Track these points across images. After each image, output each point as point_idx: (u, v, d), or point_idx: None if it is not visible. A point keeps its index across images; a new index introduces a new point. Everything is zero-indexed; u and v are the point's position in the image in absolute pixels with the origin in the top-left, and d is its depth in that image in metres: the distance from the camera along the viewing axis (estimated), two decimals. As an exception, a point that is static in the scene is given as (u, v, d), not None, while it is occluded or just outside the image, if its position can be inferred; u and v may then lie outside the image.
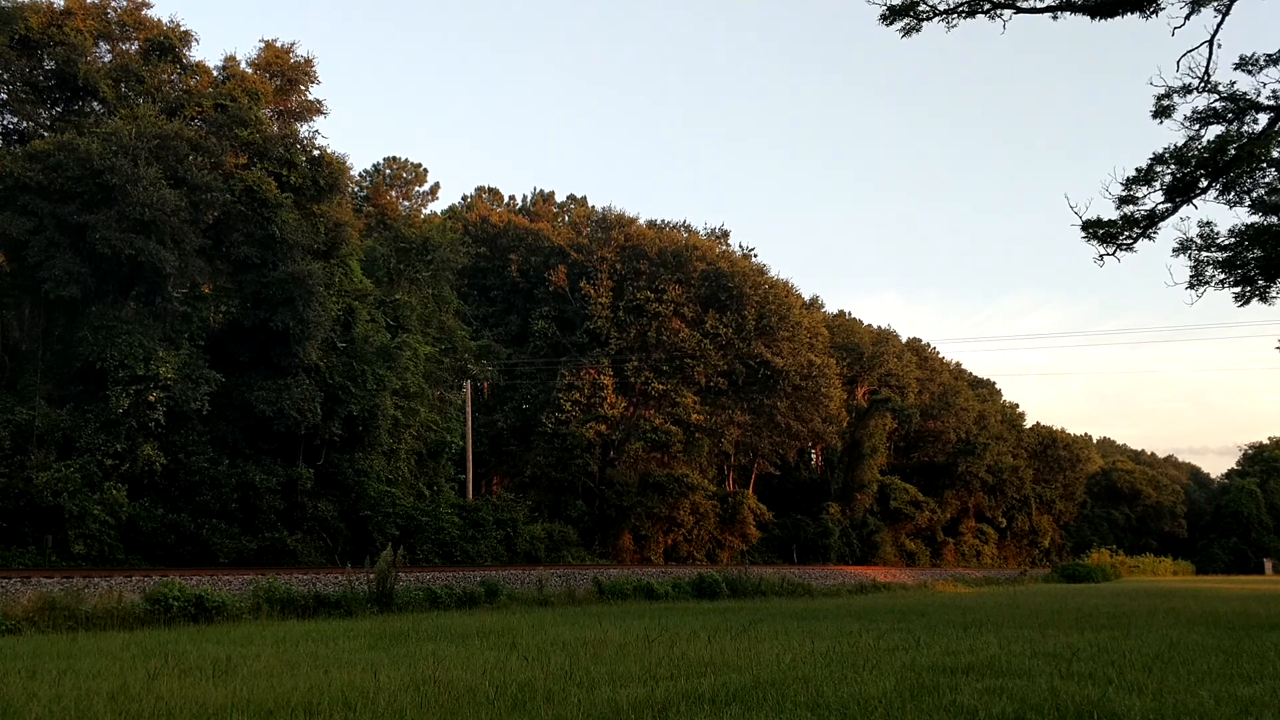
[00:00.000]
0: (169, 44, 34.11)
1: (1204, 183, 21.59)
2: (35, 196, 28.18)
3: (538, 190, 69.08)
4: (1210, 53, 20.13)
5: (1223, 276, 23.04)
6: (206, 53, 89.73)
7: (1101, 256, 22.37)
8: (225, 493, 30.69)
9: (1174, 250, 23.24)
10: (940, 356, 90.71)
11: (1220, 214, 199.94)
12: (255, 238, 32.36)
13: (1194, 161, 21.28)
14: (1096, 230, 22.01)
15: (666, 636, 13.67)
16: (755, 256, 62.84)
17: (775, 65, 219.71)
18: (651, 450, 55.82)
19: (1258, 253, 22.57)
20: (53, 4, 32.21)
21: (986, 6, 20.05)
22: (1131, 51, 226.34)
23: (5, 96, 31.92)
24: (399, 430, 38.70)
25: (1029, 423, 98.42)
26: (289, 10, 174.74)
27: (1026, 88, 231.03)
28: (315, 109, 36.98)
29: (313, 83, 36.92)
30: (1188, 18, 19.58)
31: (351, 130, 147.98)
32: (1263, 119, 20.95)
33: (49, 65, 32.09)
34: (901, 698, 7.81)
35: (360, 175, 55.56)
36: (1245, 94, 20.81)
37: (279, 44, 36.35)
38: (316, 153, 36.10)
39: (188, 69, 35.25)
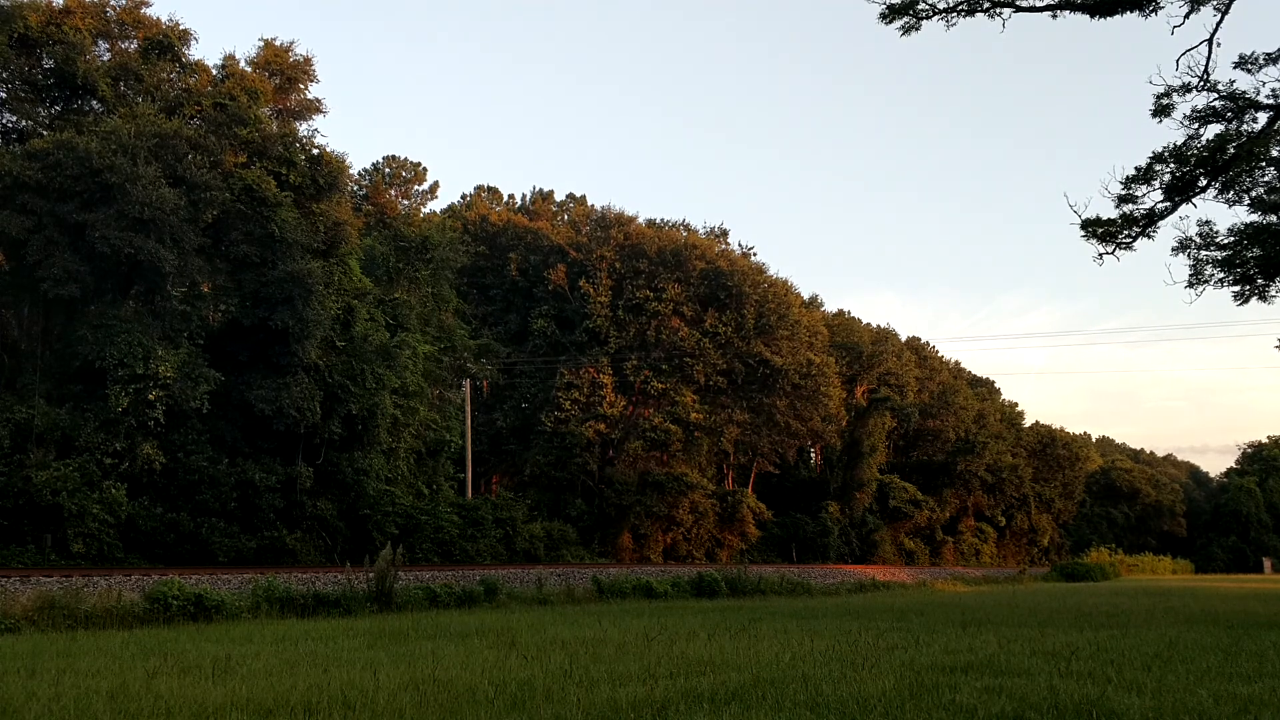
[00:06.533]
0: (168, 43, 34.08)
1: (1203, 181, 21.59)
2: (34, 195, 28.15)
3: (537, 189, 69.16)
4: (1210, 51, 20.14)
5: (1222, 275, 23.04)
6: (205, 51, 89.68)
7: (1101, 255, 22.39)
8: (224, 491, 30.68)
9: (1173, 249, 23.27)
10: (939, 355, 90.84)
11: (1219, 213, 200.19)
12: (254, 236, 32.34)
13: (1193, 160, 21.28)
14: (1096, 229, 22.01)
15: (666, 635, 13.68)
16: (754, 255, 62.98)
17: (775, 64, 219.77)
18: (651, 449, 55.81)
19: (1257, 251, 22.57)
20: (52, 3, 32.18)
21: (986, 5, 20.03)
22: (1131, 50, 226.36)
23: (4, 95, 31.90)
24: (398, 429, 38.70)
25: (1028, 421, 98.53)
26: (288, 9, 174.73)
27: (1026, 86, 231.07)
28: (314, 108, 36.98)
29: (312, 81, 36.92)
30: (1187, 16, 19.58)
31: (351, 129, 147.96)
32: (1262, 118, 20.96)
33: (48, 64, 32.07)
34: (901, 696, 7.81)
35: (359, 174, 55.55)
36: (1244, 93, 20.82)
37: (278, 43, 36.37)
38: (316, 151, 36.07)
39: (187, 68, 35.23)
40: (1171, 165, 21.40)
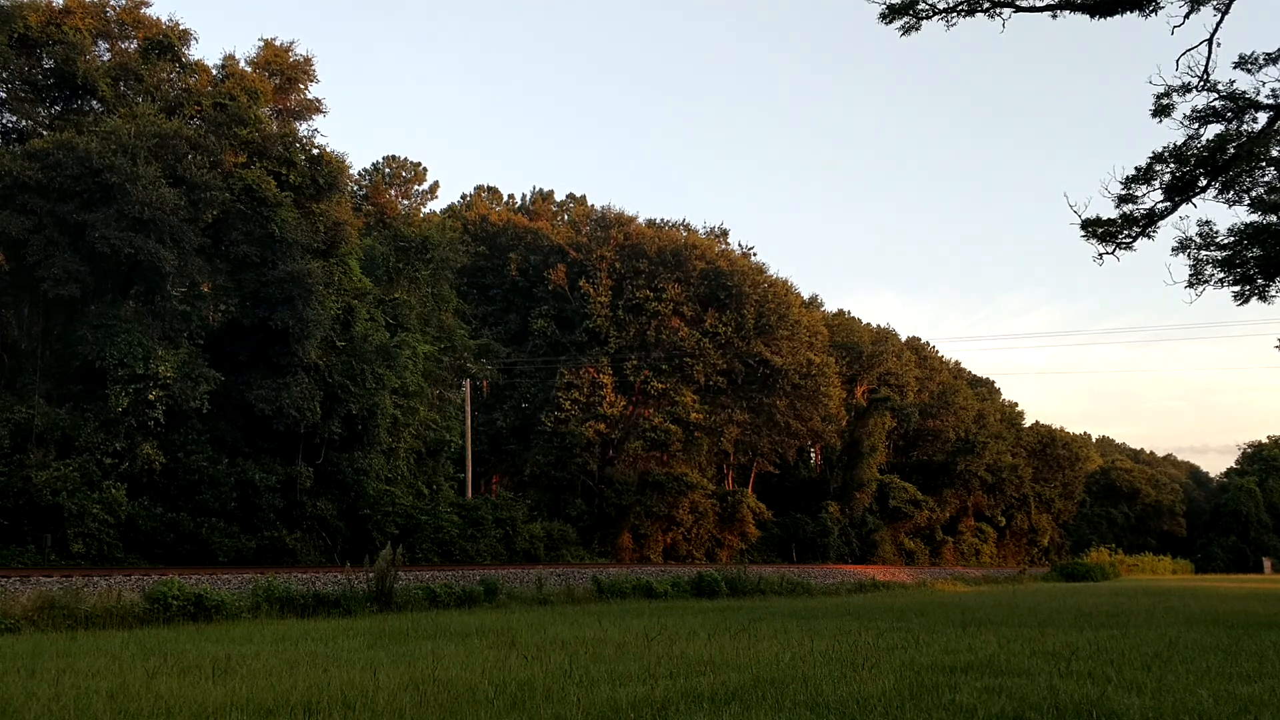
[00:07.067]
0: (168, 43, 34.09)
1: (1203, 181, 21.59)
2: (34, 195, 28.16)
3: (537, 189, 69.17)
4: (1210, 51, 20.13)
5: (1222, 275, 23.04)
6: (205, 51, 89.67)
7: (1101, 255, 22.38)
8: (224, 491, 30.68)
9: (1173, 249, 23.26)
10: (939, 355, 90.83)
11: (1219, 213, 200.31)
12: (254, 236, 32.35)
13: (1193, 160, 21.28)
14: (1096, 229, 22.01)
15: (666, 635, 13.68)
16: (754, 255, 62.96)
17: (774, 64, 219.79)
18: (651, 449, 55.81)
19: (1257, 251, 22.57)
20: (52, 3, 32.19)
21: (986, 5, 20.03)
22: (1131, 50, 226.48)
23: (4, 95, 31.90)
24: (398, 429, 38.70)
25: (1028, 421, 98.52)
26: (288, 9, 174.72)
27: (1026, 86, 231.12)
28: (314, 108, 36.99)
29: (312, 81, 36.94)
30: (1187, 16, 19.57)
31: (351, 129, 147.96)
32: (1262, 118, 20.95)
33: (48, 64, 32.08)
34: (901, 696, 7.81)
35: (359, 174, 55.56)
36: (1244, 93, 20.81)
37: (278, 43, 36.38)
38: (316, 151, 36.09)
39: (187, 68, 35.23)
40: (1171, 165, 21.39)
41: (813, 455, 76.88)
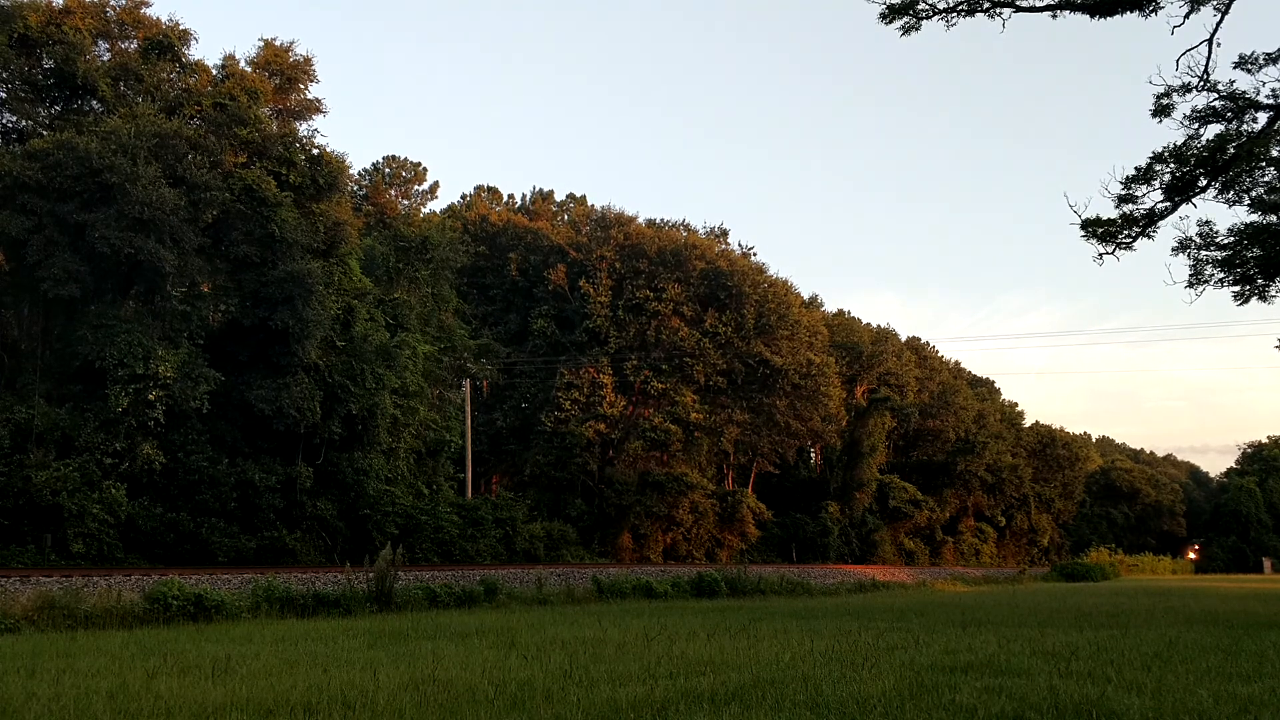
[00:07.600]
0: (168, 43, 34.08)
1: (1203, 181, 21.58)
2: (34, 195, 28.15)
3: (537, 189, 69.17)
4: (1210, 51, 20.12)
5: (1222, 275, 23.04)
6: (205, 51, 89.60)
7: (1101, 255, 22.38)
8: (224, 491, 30.68)
9: (1173, 249, 23.26)
10: (939, 355, 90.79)
11: (1219, 213, 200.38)
12: (254, 236, 32.34)
13: (1193, 160, 21.27)
14: (1096, 229, 22.01)
15: (666, 635, 13.68)
16: (754, 255, 62.96)
17: (774, 64, 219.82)
18: (651, 449, 55.79)
19: (1257, 251, 22.57)
20: (52, 3, 32.19)
21: (986, 5, 20.02)
22: (1131, 50, 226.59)
23: (4, 95, 31.90)
24: (398, 429, 38.69)
25: (1028, 421, 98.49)
26: (288, 9, 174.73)
27: (1026, 86, 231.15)
28: (314, 108, 36.97)
29: (312, 81, 36.91)
30: (1187, 16, 19.56)
31: (351, 129, 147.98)
32: (1262, 118, 20.95)
33: (48, 64, 32.08)
34: (901, 696, 7.81)
35: (359, 174, 55.54)
36: (1244, 93, 20.80)
37: (278, 43, 36.35)
38: (316, 151, 36.07)
39: (187, 68, 35.22)
40: (1171, 165, 21.39)
41: (813, 455, 76.84)
